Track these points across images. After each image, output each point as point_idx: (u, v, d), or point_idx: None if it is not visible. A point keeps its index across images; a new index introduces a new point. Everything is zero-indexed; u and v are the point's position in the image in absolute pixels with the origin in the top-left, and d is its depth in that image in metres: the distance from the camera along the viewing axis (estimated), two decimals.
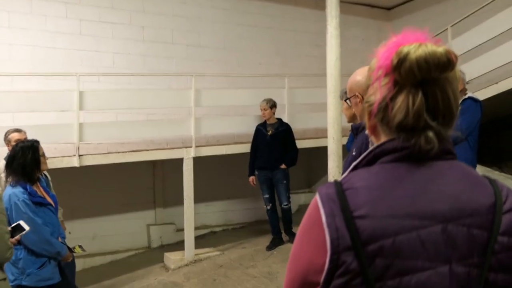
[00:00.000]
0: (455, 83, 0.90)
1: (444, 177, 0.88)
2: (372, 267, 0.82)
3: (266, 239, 6.12)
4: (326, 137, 5.85)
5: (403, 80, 0.86)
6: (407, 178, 0.87)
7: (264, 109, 5.92)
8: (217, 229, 7.27)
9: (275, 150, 5.85)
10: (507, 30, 4.87)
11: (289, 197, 5.99)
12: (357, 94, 2.07)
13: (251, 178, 6.03)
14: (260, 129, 5.99)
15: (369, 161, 0.93)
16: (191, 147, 5.86)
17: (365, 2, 8.31)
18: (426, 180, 0.87)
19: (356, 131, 2.49)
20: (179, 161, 5.89)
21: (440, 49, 0.85)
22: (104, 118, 6.00)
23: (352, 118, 2.58)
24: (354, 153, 2.39)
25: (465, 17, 5.36)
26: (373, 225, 0.83)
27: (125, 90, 6.23)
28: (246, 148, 6.19)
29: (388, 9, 8.56)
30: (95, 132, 5.57)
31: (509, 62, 4.88)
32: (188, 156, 5.83)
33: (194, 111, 5.93)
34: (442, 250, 0.83)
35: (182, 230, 6.19)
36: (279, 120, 6.10)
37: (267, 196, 5.97)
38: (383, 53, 0.89)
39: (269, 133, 5.91)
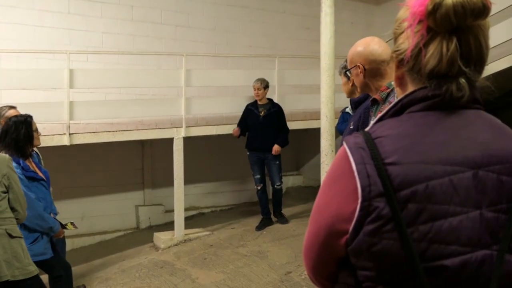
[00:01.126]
0: (487, 31, 0.89)
1: (473, 125, 0.88)
2: (404, 212, 0.81)
3: (255, 220, 6.14)
4: (315, 119, 5.90)
5: (437, 26, 0.85)
6: (437, 125, 0.87)
7: (258, 89, 5.90)
8: (206, 210, 7.27)
9: (268, 131, 5.85)
10: (496, 13, 4.88)
11: (281, 177, 6.03)
12: (358, 64, 2.05)
13: (236, 129, 5.96)
14: (252, 110, 5.96)
15: (396, 112, 0.92)
16: (181, 127, 5.82)
17: None
18: (456, 127, 0.87)
19: (355, 105, 2.49)
20: (168, 142, 5.85)
21: None
22: (93, 97, 5.91)
23: (350, 93, 2.57)
24: (352, 127, 2.39)
25: None
26: (406, 171, 0.82)
27: (114, 69, 6.14)
28: (231, 129, 6.16)
29: None
30: (85, 111, 5.48)
31: (498, 44, 4.90)
32: (178, 136, 5.79)
33: (184, 91, 5.87)
34: (473, 195, 0.82)
35: (171, 211, 6.19)
36: (271, 100, 6.09)
37: (258, 176, 5.97)
38: (416, 0, 0.87)
39: (262, 114, 5.90)
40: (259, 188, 5.99)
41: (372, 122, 0.95)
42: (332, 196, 0.89)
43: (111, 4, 6.54)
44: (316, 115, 5.54)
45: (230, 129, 6.18)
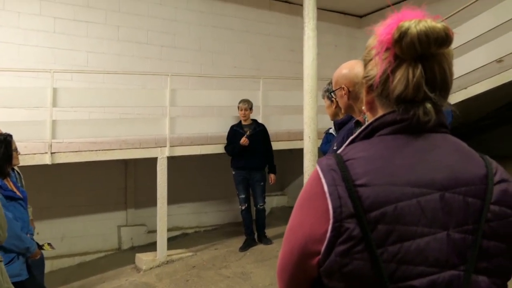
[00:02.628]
0: (450, 59, 0.92)
1: (440, 148, 0.91)
2: (374, 233, 0.83)
3: (239, 240, 6.09)
4: (299, 139, 5.93)
5: (403, 54, 0.88)
6: (406, 148, 0.89)
7: (245, 110, 5.96)
8: (189, 231, 7.19)
9: (254, 151, 5.87)
10: (475, 38, 5.02)
11: (264, 198, 6.04)
12: (343, 86, 2.08)
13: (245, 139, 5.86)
14: (237, 130, 5.98)
15: (367, 135, 0.95)
16: (165, 146, 5.80)
17: (338, 9, 8.44)
18: (423, 150, 0.89)
19: (338, 127, 2.51)
20: (152, 162, 5.81)
21: (439, 25, 0.87)
22: (76, 116, 5.87)
23: (334, 115, 2.61)
24: (335, 148, 2.41)
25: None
26: (375, 192, 0.84)
27: (99, 89, 6.13)
28: (220, 148, 6.17)
29: (360, 16, 8.72)
30: (67, 130, 5.44)
31: (477, 68, 5.03)
32: (162, 155, 5.76)
33: (169, 110, 5.87)
34: (440, 216, 0.84)
35: (154, 231, 6.11)
36: (255, 120, 6.13)
37: (243, 196, 5.97)
38: (383, 29, 0.91)
39: (247, 133, 5.93)
40: (243, 208, 5.97)
41: (344, 144, 0.97)
42: (305, 216, 0.90)
43: (97, 24, 6.55)
44: (300, 136, 5.57)
45: (215, 149, 6.18)
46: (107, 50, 6.61)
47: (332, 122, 3.31)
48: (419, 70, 0.88)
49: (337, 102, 2.17)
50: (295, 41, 7.39)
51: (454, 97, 4.90)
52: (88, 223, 6.44)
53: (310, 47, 4.37)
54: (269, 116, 6.56)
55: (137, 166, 6.71)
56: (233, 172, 6.03)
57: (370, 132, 0.94)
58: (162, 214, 5.76)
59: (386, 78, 0.91)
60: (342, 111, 2.19)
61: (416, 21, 0.87)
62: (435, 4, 7.21)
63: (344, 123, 2.43)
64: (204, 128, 6.38)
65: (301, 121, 4.81)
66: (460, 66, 5.04)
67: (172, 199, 6.14)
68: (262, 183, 5.96)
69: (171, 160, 5.94)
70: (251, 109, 5.99)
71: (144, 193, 6.65)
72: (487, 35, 4.95)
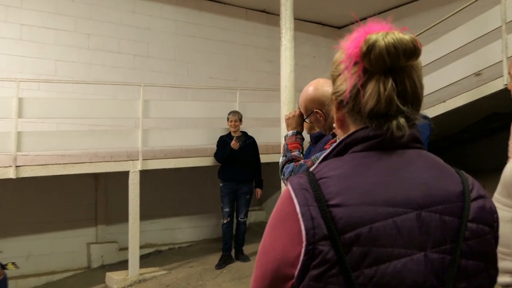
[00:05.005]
0: (419, 71, 0.93)
1: (414, 165, 0.90)
2: (349, 256, 0.81)
3: (215, 258, 6.04)
4: (277, 152, 5.94)
5: (373, 67, 0.88)
6: (379, 166, 0.89)
7: (235, 121, 6.04)
8: (163, 248, 7.10)
9: (243, 163, 5.92)
10: (454, 51, 5.14)
11: (247, 212, 6.09)
12: (315, 110, 2.08)
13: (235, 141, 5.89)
14: (227, 141, 6.01)
15: (340, 152, 0.94)
16: (137, 160, 5.74)
17: (316, 20, 8.55)
18: (398, 167, 0.89)
19: (315, 140, 2.53)
20: (124, 176, 5.75)
21: (406, 36, 0.88)
22: (44, 128, 5.76)
23: (310, 129, 2.63)
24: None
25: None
26: (349, 213, 0.83)
27: (67, 99, 6.04)
28: (195, 162, 6.14)
29: (339, 28, 8.85)
30: (34, 142, 5.34)
31: (456, 82, 5.14)
32: (134, 169, 5.70)
33: (142, 122, 5.83)
34: (417, 237, 0.84)
35: (125, 249, 6.02)
36: (244, 133, 6.20)
37: (227, 209, 5.98)
38: (350, 43, 0.91)
39: (240, 142, 5.95)
40: (225, 221, 5.97)
41: (317, 162, 0.96)
42: (277, 238, 0.89)
43: (66, 32, 6.48)
44: (277, 149, 5.59)
45: (190, 162, 6.15)
46: (77, 59, 6.54)
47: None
48: (390, 83, 0.88)
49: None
50: (272, 52, 7.45)
51: (433, 110, 5.00)
52: (56, 240, 6.30)
53: (287, 58, 4.41)
54: (246, 128, 6.57)
55: (108, 180, 6.61)
56: (221, 184, 6.05)
57: (343, 149, 0.93)
58: (134, 231, 5.68)
59: (356, 93, 0.91)
60: (325, 132, 2.20)
61: (383, 33, 0.88)
62: (413, 16, 7.39)
63: (321, 136, 2.45)
64: (179, 141, 6.34)
65: (279, 134, 4.82)
66: (439, 79, 5.16)
67: (145, 215, 6.06)
68: (248, 196, 6.03)
69: (144, 174, 5.88)
70: (240, 120, 6.09)
71: (115, 208, 6.55)
72: (465, 48, 5.08)
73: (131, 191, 5.68)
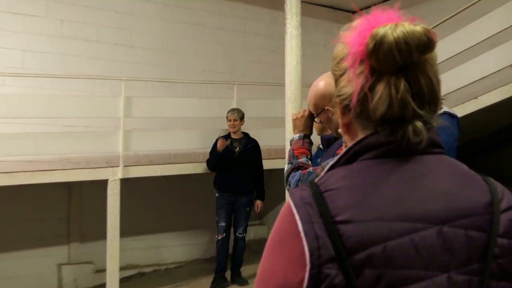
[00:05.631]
0: (435, 65, 0.94)
1: (434, 173, 0.91)
2: (360, 280, 0.81)
3: (208, 281, 6.06)
4: (280, 157, 5.95)
5: (381, 66, 0.88)
6: (394, 175, 0.89)
7: (235, 120, 6.03)
8: (147, 269, 7.10)
9: (243, 171, 5.95)
10: (488, 38, 5.13)
11: (247, 227, 6.13)
12: (326, 108, 2.08)
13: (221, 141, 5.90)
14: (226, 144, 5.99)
15: (348, 160, 0.94)
16: (118, 166, 5.74)
17: (327, 4, 8.57)
18: (415, 176, 0.89)
19: (326, 143, 2.52)
20: (102, 185, 5.75)
21: (418, 28, 0.88)
22: (8, 129, 5.76)
23: (321, 130, 2.63)
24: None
25: (439, 24, 5.63)
26: (360, 230, 0.83)
27: (36, 95, 6.04)
28: (186, 169, 6.14)
29: (353, 12, 8.85)
30: None
31: (489, 75, 5.13)
32: (114, 177, 5.71)
33: (123, 123, 5.83)
34: (439, 256, 0.84)
35: (103, 271, 6.02)
36: (246, 135, 6.22)
37: (223, 224, 5.99)
38: (354, 37, 0.91)
39: (237, 150, 5.98)
40: (220, 238, 5.99)
41: (323, 171, 0.96)
42: (277, 262, 0.89)
43: (36, 17, 6.50)
44: (281, 153, 5.59)
45: (179, 169, 6.16)
46: (48, 49, 6.55)
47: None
48: (402, 84, 0.88)
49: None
50: (275, 41, 7.45)
51: (463, 108, 4.99)
52: (22, 260, 6.28)
53: (293, 47, 4.40)
54: (244, 130, 6.56)
55: (83, 190, 6.61)
56: (216, 195, 6.09)
57: (352, 157, 0.94)
58: (114, 249, 5.68)
59: (364, 97, 0.91)
60: (336, 135, 2.20)
61: (392, 26, 0.88)
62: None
63: (332, 140, 2.44)
64: (167, 144, 6.34)
65: (283, 136, 4.82)
66: (469, 72, 5.15)
67: (126, 231, 6.06)
68: (248, 209, 6.06)
69: (125, 183, 5.88)
70: (241, 119, 6.09)
71: (91, 223, 6.54)
72: (499, 36, 5.07)
73: (110, 203, 5.67)
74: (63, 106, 5.85)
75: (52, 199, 6.48)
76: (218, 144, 5.82)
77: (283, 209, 0.91)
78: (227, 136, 6.12)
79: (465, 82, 5.15)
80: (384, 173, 0.89)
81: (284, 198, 4.77)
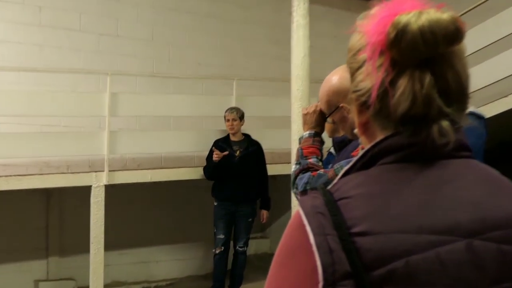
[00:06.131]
0: (464, 58, 0.94)
1: (462, 179, 0.91)
2: None
3: None
4: (285, 162, 5.94)
5: (404, 58, 0.89)
6: (417, 181, 0.89)
7: (233, 120, 6.02)
8: (135, 286, 7.09)
9: (244, 177, 5.94)
10: None
11: (248, 239, 6.14)
12: (341, 105, 2.08)
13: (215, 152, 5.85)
14: (224, 147, 6.00)
15: (365, 164, 0.95)
16: (102, 171, 5.75)
17: None
18: (441, 183, 0.89)
19: (338, 146, 2.52)
20: (84, 192, 5.76)
21: (445, 16, 0.88)
22: None
23: (333, 132, 2.63)
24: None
25: (464, 13, 5.62)
26: (379, 243, 0.83)
27: (11, 91, 6.03)
28: (179, 174, 6.14)
29: None
30: None
31: None
32: (98, 183, 5.71)
33: (108, 122, 5.83)
34: (468, 273, 0.84)
35: None
36: (247, 137, 6.22)
37: (221, 236, 5.99)
38: (373, 26, 0.91)
39: (237, 153, 5.98)
40: (217, 252, 5.99)
41: (337, 177, 0.96)
42: (285, 279, 0.88)
43: (11, 4, 6.50)
44: (286, 157, 5.59)
45: (171, 175, 6.16)
46: (24, 39, 6.54)
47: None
48: (427, 78, 0.88)
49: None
50: (280, 31, 7.43)
51: (492, 108, 4.98)
52: None
53: (300, 38, 4.40)
54: (244, 131, 6.57)
55: (64, 197, 6.61)
56: (215, 204, 6.10)
57: (370, 161, 0.94)
58: (97, 264, 5.68)
59: (384, 92, 0.91)
60: (351, 136, 2.21)
61: (416, 13, 0.88)
62: None
63: (345, 142, 2.45)
64: (157, 147, 6.35)
65: (288, 138, 4.82)
66: (500, 67, 5.13)
67: (112, 244, 6.06)
68: (250, 219, 6.07)
69: (111, 189, 5.88)
70: (241, 119, 6.08)
71: (72, 235, 6.54)
72: None
73: (93, 212, 5.68)
74: (41, 103, 5.83)
75: (29, 207, 6.48)
76: (214, 155, 5.80)
77: (292, 220, 0.91)
78: (225, 139, 6.12)
79: (493, 78, 5.14)
80: (406, 179, 0.89)
81: (289, 208, 4.78)
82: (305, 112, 2.35)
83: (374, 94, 0.92)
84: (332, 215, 0.86)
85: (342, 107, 2.07)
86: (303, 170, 2.21)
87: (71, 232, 6.58)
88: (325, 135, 2.58)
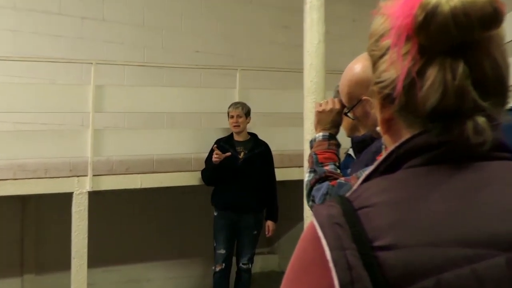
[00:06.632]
0: (503, 45, 0.94)
1: (500, 183, 0.90)
2: None
3: None
4: (297, 166, 5.94)
5: (434, 44, 0.89)
6: (449, 187, 0.88)
7: (238, 116, 6.01)
8: None
9: (249, 183, 5.93)
10: None
11: (253, 255, 6.13)
12: (364, 98, 2.07)
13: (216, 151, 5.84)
14: (226, 149, 5.99)
15: (389, 168, 0.95)
16: (85, 175, 5.76)
17: None
18: (477, 188, 0.89)
19: (357, 147, 2.51)
20: (65, 200, 5.77)
21: None
22: None
23: (351, 130, 2.61)
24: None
25: None
26: (406, 258, 0.82)
27: None
28: (173, 179, 6.15)
29: None
30: None
31: None
32: (80, 189, 5.72)
33: (92, 119, 5.85)
34: None
35: None
36: (253, 136, 6.23)
37: (222, 251, 5.98)
38: (398, 8, 0.91)
39: (241, 156, 5.98)
40: (218, 269, 5.98)
41: (357, 183, 0.97)
42: None
43: None
44: (297, 160, 5.59)
45: (164, 180, 6.16)
46: None
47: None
48: (460, 67, 0.88)
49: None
50: (290, 14, 7.46)
51: None
52: None
53: (314, 22, 4.37)
54: (250, 128, 6.56)
55: (41, 206, 6.64)
56: (215, 213, 6.10)
57: (395, 164, 0.94)
58: (80, 283, 5.70)
59: (410, 84, 0.90)
60: (375, 135, 2.19)
61: None
62: None
63: (366, 142, 2.43)
64: (149, 147, 6.36)
65: (300, 137, 4.81)
66: None
67: (96, 259, 6.09)
68: (255, 232, 6.06)
69: (95, 197, 5.90)
70: (247, 116, 6.08)
71: (50, 249, 6.57)
72: None
73: (75, 222, 5.69)
74: (15, 97, 5.86)
75: (2, 217, 6.50)
76: (214, 155, 5.79)
77: (305, 232, 0.91)
78: (228, 139, 6.13)
79: None
80: (436, 184, 0.89)
81: (301, 219, 4.75)
82: (320, 109, 2.34)
83: (399, 85, 0.91)
84: (351, 226, 0.86)
85: (365, 100, 2.06)
86: (319, 179, 2.20)
87: (49, 246, 6.60)
88: (341, 135, 2.57)
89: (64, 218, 5.80)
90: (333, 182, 2.15)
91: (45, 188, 5.76)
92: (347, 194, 0.94)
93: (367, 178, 0.96)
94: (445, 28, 0.86)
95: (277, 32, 7.95)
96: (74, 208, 5.71)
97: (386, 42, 0.94)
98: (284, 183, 6.77)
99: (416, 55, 0.89)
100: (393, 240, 0.83)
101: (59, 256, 6.20)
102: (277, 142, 6.66)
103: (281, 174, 6.56)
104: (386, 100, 0.96)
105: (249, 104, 6.37)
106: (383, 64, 0.96)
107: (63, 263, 5.91)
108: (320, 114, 2.32)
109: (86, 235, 5.71)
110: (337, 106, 2.26)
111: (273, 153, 6.33)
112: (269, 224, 6.13)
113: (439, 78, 0.88)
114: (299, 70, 4.89)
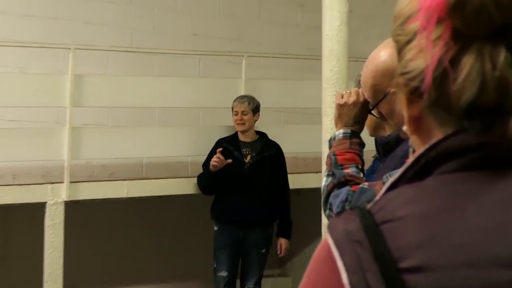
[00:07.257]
0: None
1: None
2: None
3: None
4: (314, 171, 5.95)
5: (470, 28, 0.88)
6: (488, 197, 0.88)
7: (243, 113, 6.01)
8: None
9: (257, 192, 5.95)
10: None
11: (261, 278, 6.15)
12: (391, 90, 2.07)
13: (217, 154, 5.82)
14: (230, 151, 6.00)
15: (419, 174, 0.94)
16: (61, 182, 5.79)
17: None
18: None
19: (383, 149, 2.51)
20: (37, 210, 5.81)
21: None
22: None
23: (375, 129, 2.62)
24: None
25: None
26: (437, 282, 0.82)
27: None
28: (166, 187, 6.18)
29: None
30: None
31: None
32: (55, 199, 5.74)
33: (70, 115, 5.87)
34: None
35: None
36: (262, 136, 6.23)
37: (224, 273, 6.00)
38: None
39: (248, 159, 6.00)
40: None
41: (380, 192, 0.97)
42: None
43: None
44: (314, 164, 5.59)
45: (155, 188, 6.19)
46: None
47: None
48: (502, 55, 0.87)
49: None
50: None
51: None
52: None
53: (334, 1, 4.41)
54: (258, 127, 6.57)
55: (8, 218, 6.68)
56: (215, 228, 6.11)
57: (424, 169, 0.94)
58: None
59: (442, 75, 0.90)
60: (403, 135, 2.20)
61: None
62: None
63: (393, 144, 2.44)
64: (136, 149, 6.39)
65: (318, 137, 4.82)
66: None
67: (74, 282, 6.11)
68: (263, 250, 6.08)
69: (73, 207, 5.92)
70: (255, 112, 6.08)
71: (20, 270, 6.59)
72: None
73: (48, 238, 5.71)
74: None
75: None
76: (213, 159, 5.75)
77: (318, 251, 0.92)
78: (231, 139, 6.14)
79: None
80: (473, 193, 0.89)
81: (319, 234, 4.77)
82: (342, 101, 2.34)
83: (429, 77, 0.91)
84: (373, 244, 0.86)
85: (393, 93, 2.06)
86: (338, 184, 2.20)
87: (19, 266, 6.63)
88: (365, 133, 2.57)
89: (35, 232, 5.82)
90: (354, 187, 2.16)
91: (13, 197, 5.78)
92: (368, 206, 0.94)
93: (392, 186, 0.96)
94: (484, 9, 0.86)
95: (291, 11, 7.97)
96: (47, 221, 5.72)
97: (414, 25, 0.94)
98: (299, 191, 6.80)
99: (449, 41, 0.89)
100: (422, 261, 0.83)
101: (29, 278, 6.23)
102: (290, 143, 6.67)
103: (295, 181, 6.57)
104: (414, 94, 0.96)
105: (257, 97, 6.39)
106: (409, 52, 0.96)
107: (34, 287, 5.93)
108: (341, 108, 2.32)
109: (61, 254, 5.73)
110: (362, 98, 2.25)
111: (286, 156, 6.35)
112: (282, 242, 6.15)
113: (476, 68, 0.88)
114: (317, 57, 4.91)
